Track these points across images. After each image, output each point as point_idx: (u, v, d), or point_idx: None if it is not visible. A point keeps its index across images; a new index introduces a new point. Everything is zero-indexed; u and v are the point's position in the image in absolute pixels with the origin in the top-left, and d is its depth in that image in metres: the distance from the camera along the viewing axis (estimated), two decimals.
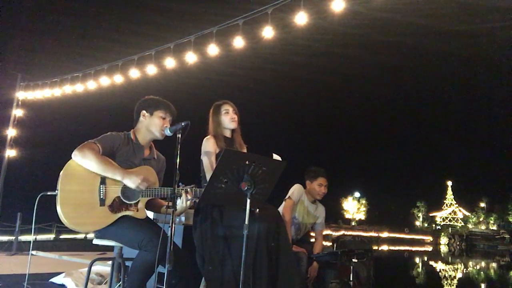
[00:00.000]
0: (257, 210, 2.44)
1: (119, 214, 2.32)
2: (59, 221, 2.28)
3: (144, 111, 2.58)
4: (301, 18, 4.70)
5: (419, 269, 11.96)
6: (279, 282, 2.43)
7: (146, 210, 2.48)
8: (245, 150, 2.91)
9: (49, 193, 2.54)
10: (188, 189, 2.35)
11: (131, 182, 2.29)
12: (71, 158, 2.29)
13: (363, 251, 3.45)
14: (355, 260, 3.37)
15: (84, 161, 2.25)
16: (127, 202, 2.35)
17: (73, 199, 2.25)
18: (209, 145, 2.73)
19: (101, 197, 2.29)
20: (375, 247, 3.74)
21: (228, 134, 2.88)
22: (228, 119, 2.83)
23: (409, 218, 73.11)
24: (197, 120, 2.81)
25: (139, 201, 2.38)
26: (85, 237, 12.16)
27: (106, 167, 2.27)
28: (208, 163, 2.69)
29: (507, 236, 50.81)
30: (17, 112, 8.24)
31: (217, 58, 5.78)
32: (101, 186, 2.30)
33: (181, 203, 2.34)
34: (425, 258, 18.32)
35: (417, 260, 16.92)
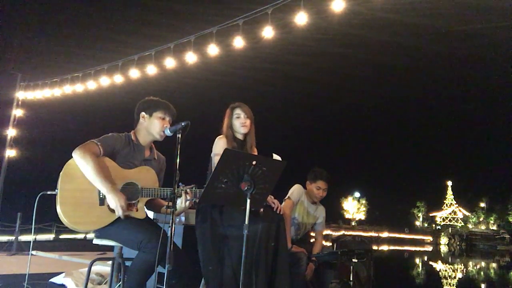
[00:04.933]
0: (261, 210, 2.44)
1: None
2: (59, 221, 2.28)
3: (143, 113, 2.57)
4: (301, 18, 4.70)
5: (419, 269, 11.96)
6: (277, 282, 2.43)
7: (146, 210, 2.48)
8: (255, 153, 2.91)
9: (49, 192, 2.54)
10: (188, 190, 2.35)
11: (113, 201, 2.24)
12: (71, 157, 2.29)
13: (363, 251, 3.44)
14: (355, 260, 3.36)
15: (81, 162, 2.24)
16: (127, 201, 2.34)
17: (73, 198, 2.25)
18: (219, 145, 2.73)
19: (101, 196, 2.29)
20: (375, 247, 3.73)
21: (240, 136, 2.88)
22: (239, 123, 2.83)
23: (409, 218, 73.15)
24: (197, 120, 2.82)
25: (138, 201, 2.38)
26: (85, 237, 12.16)
27: (98, 176, 2.23)
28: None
29: (507, 236, 50.79)
30: (17, 112, 8.25)
31: (217, 58, 5.78)
32: None
33: (181, 203, 2.34)
34: (425, 258, 18.32)
35: (417, 260, 16.92)
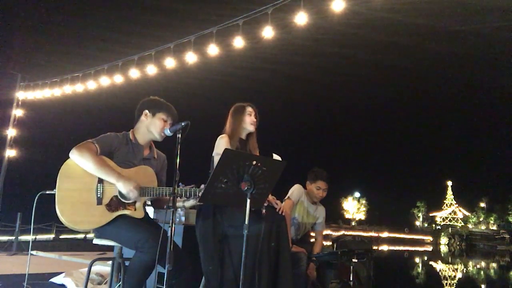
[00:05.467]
0: (264, 210, 2.44)
1: (116, 213, 2.31)
2: (59, 221, 2.29)
3: (146, 111, 2.57)
4: (301, 18, 4.70)
5: (419, 269, 11.96)
6: (279, 282, 2.43)
7: (148, 209, 2.48)
8: (257, 154, 2.91)
9: (48, 192, 2.54)
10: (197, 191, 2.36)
11: (124, 187, 2.27)
12: (69, 157, 2.29)
13: (363, 251, 3.44)
14: (355, 260, 3.36)
15: (81, 160, 2.25)
16: (125, 201, 2.34)
17: (71, 197, 2.25)
18: (222, 145, 2.72)
19: (99, 195, 2.29)
20: (375, 247, 3.73)
21: (243, 136, 2.87)
22: (250, 120, 2.85)
23: (409, 218, 73.21)
24: (197, 120, 2.81)
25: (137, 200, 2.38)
26: (85, 237, 12.15)
27: (102, 169, 2.26)
28: None
29: (507, 236, 50.85)
30: (17, 112, 8.24)
31: (217, 58, 5.78)
32: (99, 185, 2.30)
33: (194, 201, 2.40)
34: (425, 258, 18.32)
35: (417, 260, 16.92)
